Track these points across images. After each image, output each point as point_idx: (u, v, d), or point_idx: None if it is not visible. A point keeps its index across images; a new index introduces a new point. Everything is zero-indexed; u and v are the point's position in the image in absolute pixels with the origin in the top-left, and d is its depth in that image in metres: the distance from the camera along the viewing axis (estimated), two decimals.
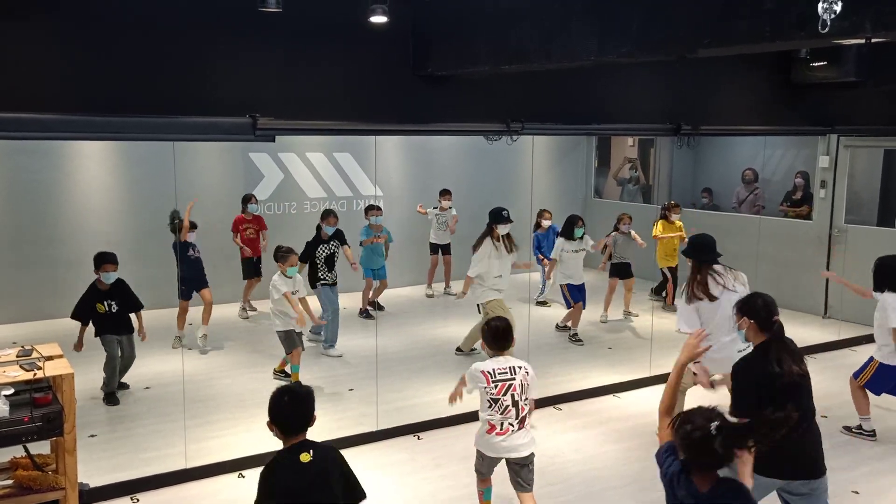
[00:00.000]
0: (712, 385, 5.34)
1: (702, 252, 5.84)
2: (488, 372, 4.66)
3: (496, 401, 4.64)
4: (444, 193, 11.26)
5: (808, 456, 4.05)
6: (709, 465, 3.04)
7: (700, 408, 3.10)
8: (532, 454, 4.78)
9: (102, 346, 7.14)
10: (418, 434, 6.60)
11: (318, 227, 8.89)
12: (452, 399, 5.00)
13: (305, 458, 3.54)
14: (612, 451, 6.36)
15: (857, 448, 6.44)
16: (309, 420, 3.60)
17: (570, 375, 8.07)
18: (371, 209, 10.14)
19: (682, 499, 3.11)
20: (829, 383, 7.73)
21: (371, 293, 10.37)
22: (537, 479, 5.67)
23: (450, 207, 11.26)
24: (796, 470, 4.01)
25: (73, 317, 7.11)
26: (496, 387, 4.64)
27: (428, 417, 6.78)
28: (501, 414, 4.64)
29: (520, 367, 4.72)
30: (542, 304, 10.91)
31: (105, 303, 7.10)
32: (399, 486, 5.75)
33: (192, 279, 8.52)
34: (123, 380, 7.43)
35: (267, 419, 3.60)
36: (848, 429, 6.69)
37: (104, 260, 7.11)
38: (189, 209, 8.29)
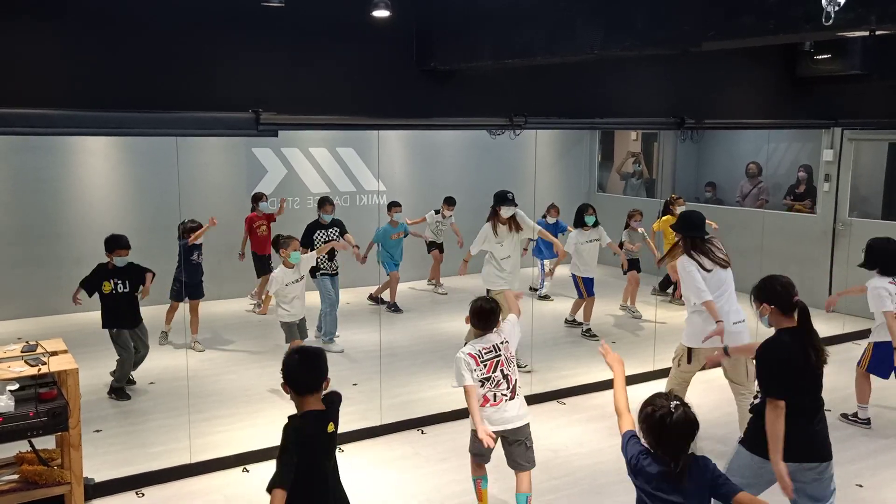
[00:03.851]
0: (727, 353, 5.22)
1: (690, 228, 6.01)
2: (476, 354, 4.75)
3: (488, 379, 4.74)
4: (449, 203, 11.07)
5: (821, 440, 4.11)
6: (672, 446, 3.13)
7: (659, 393, 3.30)
8: (527, 426, 4.85)
9: (115, 344, 7.06)
10: (422, 428, 6.61)
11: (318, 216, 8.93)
12: (488, 440, 4.70)
13: (331, 428, 3.65)
14: (616, 445, 6.30)
15: (861, 441, 6.43)
16: (321, 380, 3.63)
17: (574, 370, 8.07)
18: (393, 206, 10.21)
19: (650, 482, 3.18)
20: (833, 377, 7.66)
21: (380, 287, 10.39)
22: (541, 474, 5.68)
23: (451, 216, 11.11)
24: (811, 454, 4.05)
25: (81, 285, 7.04)
26: (485, 366, 4.74)
27: (432, 412, 6.79)
28: (495, 387, 4.75)
29: (502, 343, 4.82)
30: (545, 298, 10.91)
31: (112, 280, 6.98)
32: (404, 480, 5.76)
33: (188, 284, 8.35)
34: (132, 375, 7.39)
35: (281, 381, 3.64)
36: (845, 416, 6.71)
37: (117, 245, 6.97)
38: (207, 227, 8.26)
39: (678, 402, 3.14)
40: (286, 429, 3.55)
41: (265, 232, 9.94)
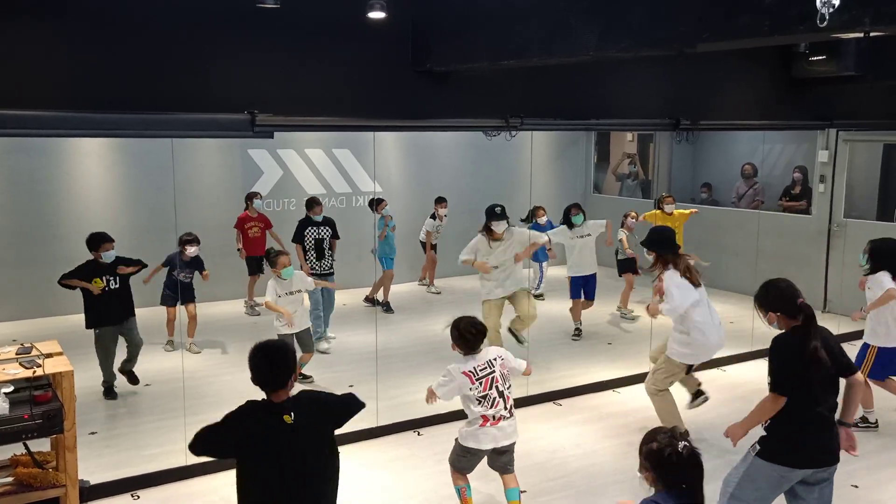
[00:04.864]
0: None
1: (663, 245, 6.13)
2: (470, 371, 4.74)
3: (484, 397, 4.74)
4: (440, 202, 11.00)
5: (835, 442, 4.13)
6: (675, 481, 3.11)
7: (662, 427, 3.28)
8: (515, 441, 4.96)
9: (96, 345, 7.00)
10: (418, 430, 6.61)
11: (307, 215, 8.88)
12: (431, 399, 4.99)
13: (288, 419, 3.57)
14: (613, 445, 6.37)
15: (857, 442, 6.43)
16: (287, 377, 3.65)
17: (570, 371, 8.07)
18: (379, 202, 10.13)
19: None
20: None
21: (373, 287, 10.39)
22: (538, 475, 5.72)
23: (444, 213, 11.05)
24: (827, 457, 4.07)
25: (60, 282, 6.84)
26: (481, 384, 4.74)
27: (428, 413, 6.77)
28: (493, 408, 4.75)
29: (495, 359, 4.82)
30: (539, 297, 10.90)
31: (104, 277, 6.89)
32: (400, 481, 5.76)
33: (177, 294, 8.23)
34: (135, 370, 7.31)
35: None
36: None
37: (102, 240, 6.91)
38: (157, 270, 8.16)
39: (685, 443, 3.11)
40: (229, 419, 3.61)
41: (258, 234, 9.88)
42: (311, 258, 8.65)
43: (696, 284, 6.02)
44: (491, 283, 7.82)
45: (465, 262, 7.88)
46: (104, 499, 5.37)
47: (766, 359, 4.16)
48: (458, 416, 6.49)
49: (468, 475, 5.02)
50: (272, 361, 3.65)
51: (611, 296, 10.64)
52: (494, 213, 7.70)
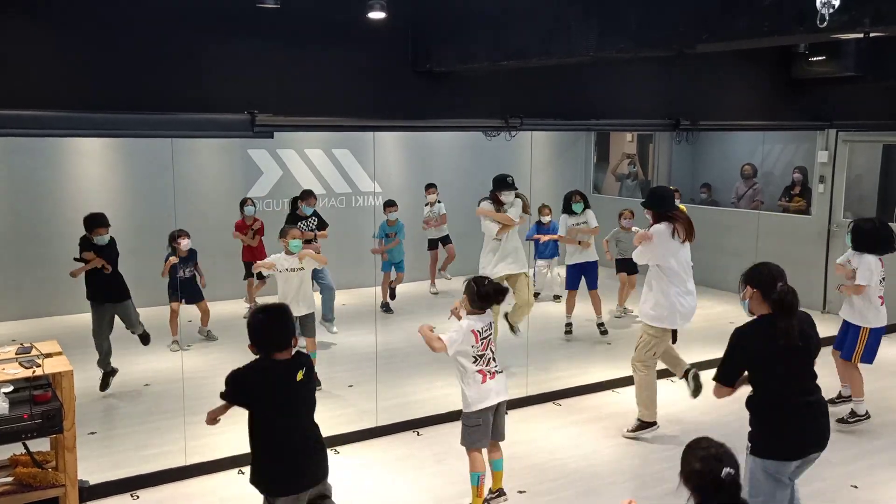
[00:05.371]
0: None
1: (664, 203, 6.33)
2: (478, 331, 4.96)
3: (481, 356, 4.98)
4: (429, 187, 11.07)
5: (822, 428, 4.14)
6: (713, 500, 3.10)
7: (707, 443, 3.18)
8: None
9: (92, 319, 7.08)
10: (418, 430, 6.61)
11: (294, 205, 8.79)
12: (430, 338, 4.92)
13: (300, 376, 3.79)
14: (612, 446, 6.37)
15: (856, 443, 6.45)
16: (290, 336, 3.82)
17: (569, 371, 8.08)
18: (389, 205, 10.16)
19: None
20: (830, 378, 7.71)
21: (390, 283, 10.43)
22: (537, 475, 5.72)
23: (437, 201, 11.07)
24: (823, 440, 4.12)
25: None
26: (482, 344, 4.98)
27: (427, 413, 6.79)
28: (487, 365, 5.00)
29: (491, 322, 5.07)
30: (535, 295, 10.88)
31: (94, 253, 7.02)
32: (400, 482, 5.75)
33: (182, 292, 8.33)
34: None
35: (248, 343, 3.84)
36: (843, 420, 6.70)
37: (97, 223, 6.99)
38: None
39: (729, 470, 3.07)
40: (237, 375, 3.80)
41: (255, 243, 9.84)
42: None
43: (684, 241, 6.23)
44: (494, 258, 7.70)
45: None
46: (103, 499, 5.37)
47: None
48: (458, 416, 6.51)
49: (483, 458, 5.09)
50: (277, 323, 3.83)
51: (611, 295, 10.63)
52: (505, 183, 7.62)
